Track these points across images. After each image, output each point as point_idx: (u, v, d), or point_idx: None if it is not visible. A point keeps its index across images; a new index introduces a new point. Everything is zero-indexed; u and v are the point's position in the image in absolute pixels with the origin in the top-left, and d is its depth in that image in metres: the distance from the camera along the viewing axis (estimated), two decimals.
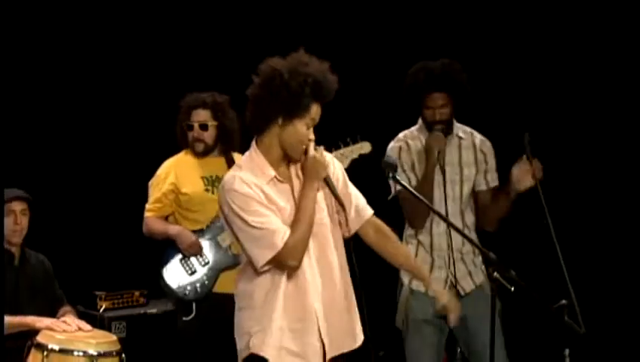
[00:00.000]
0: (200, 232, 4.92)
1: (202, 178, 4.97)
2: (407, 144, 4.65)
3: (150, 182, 5.02)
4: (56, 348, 4.36)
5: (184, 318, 4.89)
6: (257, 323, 3.50)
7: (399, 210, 4.65)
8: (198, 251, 4.89)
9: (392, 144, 4.67)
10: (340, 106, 3.67)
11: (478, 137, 4.71)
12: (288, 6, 6.18)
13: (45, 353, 4.34)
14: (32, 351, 4.39)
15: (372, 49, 6.06)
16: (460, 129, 4.69)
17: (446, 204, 4.58)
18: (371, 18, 6.17)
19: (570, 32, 5.84)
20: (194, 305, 4.89)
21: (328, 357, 3.57)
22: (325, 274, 3.57)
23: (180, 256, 4.93)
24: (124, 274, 5.79)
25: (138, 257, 5.92)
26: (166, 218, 5.02)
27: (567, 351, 4.09)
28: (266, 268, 3.47)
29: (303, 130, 3.50)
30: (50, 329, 4.47)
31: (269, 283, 3.51)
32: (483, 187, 4.70)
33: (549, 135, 5.45)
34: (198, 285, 4.89)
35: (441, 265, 4.60)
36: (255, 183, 3.47)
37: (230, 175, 3.51)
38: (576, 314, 4.02)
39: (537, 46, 5.89)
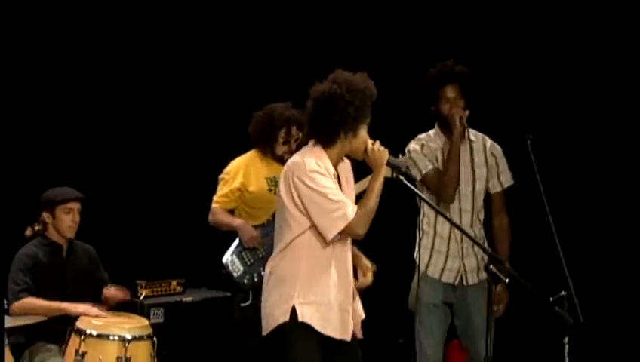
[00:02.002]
0: (259, 227, 5.00)
1: (266, 179, 5.07)
2: (427, 142, 4.67)
3: (220, 177, 5.12)
4: (94, 333, 4.46)
5: (241, 304, 4.94)
6: (302, 295, 3.67)
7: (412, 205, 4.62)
8: (257, 244, 4.97)
9: (413, 144, 4.68)
10: None
11: (489, 141, 4.72)
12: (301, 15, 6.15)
13: (83, 337, 4.43)
14: (72, 335, 4.50)
15: (381, 57, 6.00)
16: (472, 133, 4.69)
17: (460, 201, 4.59)
18: (377, 27, 6.12)
19: (571, 34, 5.75)
20: (250, 293, 4.92)
21: (351, 336, 3.80)
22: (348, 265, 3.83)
23: (240, 247, 5.01)
24: (163, 265, 5.80)
25: (176, 249, 5.96)
26: (231, 211, 5.11)
27: (566, 339, 4.02)
28: (337, 237, 3.68)
29: (365, 133, 3.79)
30: (85, 314, 4.55)
31: (317, 260, 3.70)
32: (498, 188, 4.71)
33: (551, 136, 5.36)
34: (255, 275, 4.94)
35: (455, 256, 4.61)
36: (325, 167, 3.71)
37: (304, 159, 3.71)
38: (574, 304, 4.00)
39: (539, 48, 5.80)
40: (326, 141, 3.75)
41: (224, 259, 5.00)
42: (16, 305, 4.54)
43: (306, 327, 3.66)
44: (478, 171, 4.64)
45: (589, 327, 4.12)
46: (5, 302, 4.49)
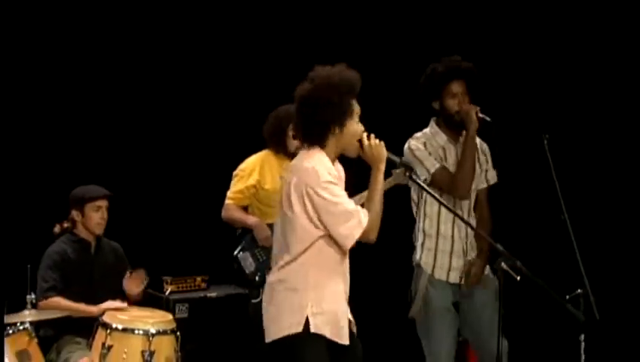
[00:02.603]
0: (271, 226, 4.92)
1: (282, 177, 5.01)
2: (430, 140, 4.55)
3: (235, 173, 5.14)
4: (120, 327, 4.51)
5: (253, 301, 4.94)
6: (315, 305, 3.64)
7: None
8: (270, 243, 4.88)
9: (414, 142, 4.55)
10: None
11: (478, 139, 4.60)
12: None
13: (109, 331, 4.49)
14: (99, 329, 4.56)
15: (384, 54, 5.99)
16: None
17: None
18: (386, 23, 6.10)
19: (588, 33, 5.69)
20: (261, 290, 4.87)
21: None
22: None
23: (253, 244, 5.02)
24: (188, 262, 5.85)
25: (201, 246, 5.99)
26: (244, 208, 5.13)
27: (582, 337, 4.01)
28: (347, 244, 3.64)
29: (354, 126, 3.69)
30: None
31: (327, 269, 3.67)
32: (484, 185, 4.64)
33: (567, 135, 5.32)
34: (267, 272, 4.85)
35: (459, 254, 4.52)
36: (334, 173, 3.68)
37: (314, 168, 3.62)
38: (590, 302, 3.99)
39: (555, 47, 5.75)
40: (319, 141, 3.66)
41: (236, 253, 5.01)
42: (44, 302, 4.61)
43: (317, 337, 3.63)
44: (476, 169, 4.55)
45: (605, 324, 4.12)
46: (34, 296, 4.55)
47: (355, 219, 3.61)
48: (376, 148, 3.67)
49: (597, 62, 5.68)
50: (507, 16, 5.86)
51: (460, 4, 5.97)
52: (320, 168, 3.63)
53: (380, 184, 3.67)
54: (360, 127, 3.70)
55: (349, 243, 3.64)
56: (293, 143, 4.99)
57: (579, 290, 4.00)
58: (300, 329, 3.61)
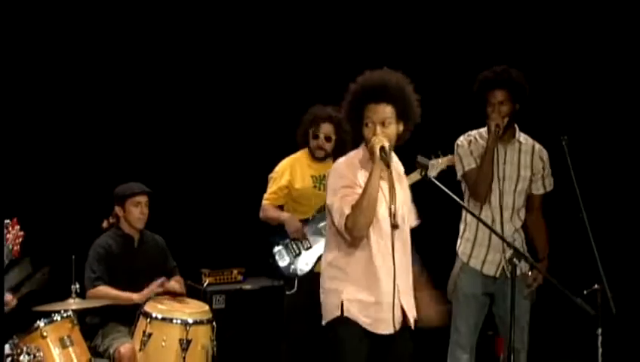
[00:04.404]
0: (306, 221, 5.13)
1: (312, 177, 5.18)
2: (476, 139, 4.69)
3: (270, 176, 5.25)
4: (159, 316, 4.65)
5: (287, 292, 5.06)
6: (352, 295, 3.70)
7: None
8: (302, 236, 5.10)
9: (462, 138, 4.71)
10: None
11: (538, 146, 4.72)
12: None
13: (149, 320, 4.63)
14: (140, 318, 4.69)
15: (435, 63, 6.02)
16: (522, 136, 4.71)
17: (502, 198, 4.61)
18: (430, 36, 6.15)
19: (606, 36, 5.67)
20: (296, 282, 5.04)
21: (398, 327, 3.78)
22: (404, 262, 3.79)
23: (288, 239, 5.13)
24: (225, 255, 5.93)
25: (238, 240, 6.07)
26: (281, 207, 5.25)
27: (599, 331, 4.04)
28: (346, 235, 3.68)
29: (364, 129, 3.73)
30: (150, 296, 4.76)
31: (362, 261, 3.72)
32: (541, 191, 4.73)
33: (585, 137, 5.32)
34: (301, 265, 5.06)
35: (496, 249, 4.61)
36: (353, 170, 3.73)
37: (342, 160, 3.81)
38: (607, 297, 4.02)
39: (574, 50, 5.74)
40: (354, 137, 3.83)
41: (274, 251, 5.12)
42: (92, 291, 4.76)
43: (353, 322, 3.70)
44: (522, 172, 4.65)
45: (621, 319, 4.15)
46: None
47: (338, 212, 3.68)
48: (371, 148, 3.69)
49: (614, 65, 5.67)
50: (525, 18, 5.86)
51: (485, 9, 6.02)
52: (341, 159, 3.80)
53: (371, 182, 3.66)
54: (371, 131, 3.70)
55: (340, 229, 3.68)
56: (312, 142, 5.16)
57: (596, 286, 4.05)
58: (338, 312, 3.69)
